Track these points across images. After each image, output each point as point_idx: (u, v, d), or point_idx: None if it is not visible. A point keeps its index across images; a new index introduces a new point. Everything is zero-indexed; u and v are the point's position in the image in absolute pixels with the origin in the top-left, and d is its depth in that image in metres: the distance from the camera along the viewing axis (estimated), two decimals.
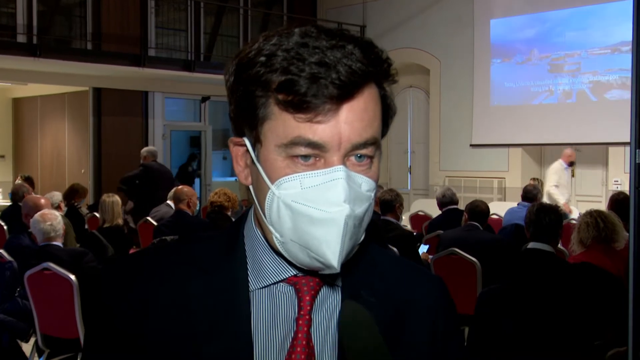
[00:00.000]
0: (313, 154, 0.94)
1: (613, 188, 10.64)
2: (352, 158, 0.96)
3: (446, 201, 7.16)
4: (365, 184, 0.97)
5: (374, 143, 0.97)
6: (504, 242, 5.80)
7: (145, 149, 9.86)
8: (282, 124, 0.94)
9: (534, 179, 10.25)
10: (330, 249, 0.93)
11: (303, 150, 0.94)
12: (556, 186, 9.43)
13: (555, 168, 9.67)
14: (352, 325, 0.94)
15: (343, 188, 0.93)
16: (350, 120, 0.94)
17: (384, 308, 1.05)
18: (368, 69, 0.95)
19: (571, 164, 9.74)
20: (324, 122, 0.93)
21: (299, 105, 0.92)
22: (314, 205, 0.93)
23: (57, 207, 6.73)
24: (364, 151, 0.96)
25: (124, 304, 1.01)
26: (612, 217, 4.17)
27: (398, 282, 1.11)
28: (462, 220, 6.12)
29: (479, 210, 5.88)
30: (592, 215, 4.16)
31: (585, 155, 12.21)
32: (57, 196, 7.41)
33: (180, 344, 0.99)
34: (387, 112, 1.01)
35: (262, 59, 0.94)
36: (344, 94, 0.93)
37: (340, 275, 1.04)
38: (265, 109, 0.95)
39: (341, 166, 0.94)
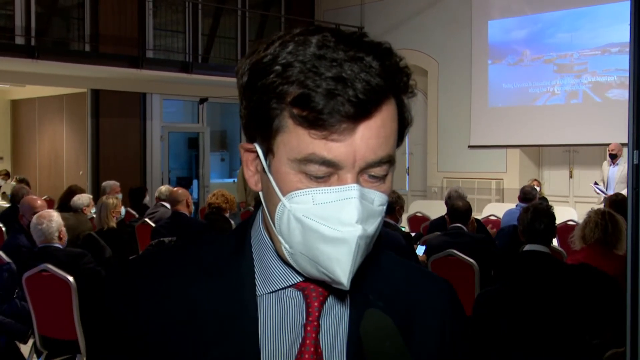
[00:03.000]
0: (327, 171, 0.92)
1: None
2: (366, 175, 0.94)
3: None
4: (378, 199, 0.95)
5: (389, 161, 0.95)
6: (486, 240, 5.74)
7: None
8: (296, 139, 0.91)
9: (532, 180, 10.25)
10: (341, 267, 0.92)
11: (317, 168, 0.91)
12: (602, 182, 9.88)
13: (603, 165, 10.09)
14: (374, 336, 0.93)
15: (356, 208, 0.91)
16: (366, 137, 0.92)
17: (391, 312, 1.03)
18: (386, 84, 0.92)
19: (611, 157, 9.90)
20: (339, 140, 0.90)
21: (314, 121, 0.89)
22: (325, 222, 0.91)
23: (82, 210, 6.70)
24: (377, 170, 0.94)
25: (129, 308, 1.01)
26: (622, 223, 4.03)
27: (406, 286, 1.10)
28: (446, 224, 5.95)
29: (458, 210, 5.65)
30: (604, 217, 4.06)
31: (582, 156, 12.23)
32: (85, 199, 7.14)
33: (187, 348, 0.98)
34: (402, 124, 0.99)
35: (278, 68, 0.91)
36: (361, 112, 0.90)
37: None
38: (280, 121, 0.92)
39: (355, 185, 0.92)
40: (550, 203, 6.57)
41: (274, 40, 0.95)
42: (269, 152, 0.96)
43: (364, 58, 0.91)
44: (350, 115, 0.90)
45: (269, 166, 0.96)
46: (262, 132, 0.95)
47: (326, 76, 0.89)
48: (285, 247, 0.96)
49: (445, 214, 5.93)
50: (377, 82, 0.91)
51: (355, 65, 0.90)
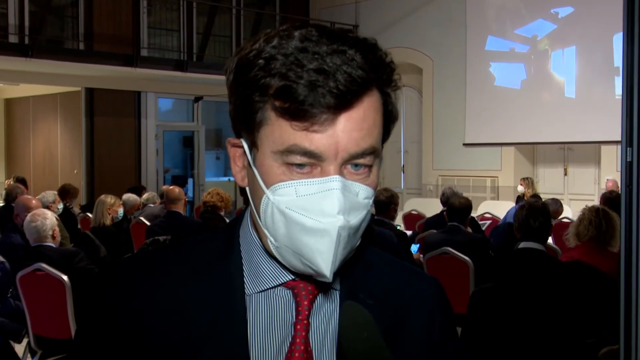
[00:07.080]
0: (309, 162, 0.92)
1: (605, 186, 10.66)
2: (349, 167, 0.94)
3: (443, 201, 7.07)
4: (363, 192, 0.95)
5: (373, 152, 0.94)
6: (483, 240, 5.74)
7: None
8: (279, 131, 0.92)
9: (524, 179, 10.26)
10: (323, 258, 0.92)
11: (299, 159, 0.92)
12: None
13: None
14: (352, 327, 0.93)
15: (338, 199, 0.91)
16: (348, 129, 0.91)
17: (381, 310, 1.03)
18: (369, 76, 0.92)
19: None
20: (320, 131, 0.90)
21: (295, 113, 0.90)
22: (307, 214, 0.92)
23: (48, 207, 6.67)
24: (361, 160, 0.94)
25: (127, 300, 1.01)
26: (616, 220, 4.01)
27: (395, 284, 1.10)
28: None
29: (456, 208, 5.62)
30: (598, 215, 4.05)
31: (577, 153, 12.25)
32: (50, 196, 7.35)
33: (178, 348, 0.98)
34: (388, 118, 0.99)
35: (261, 62, 0.92)
36: (342, 103, 0.90)
37: (338, 279, 1.03)
38: (263, 113, 0.93)
39: (337, 176, 0.92)
40: (544, 201, 6.59)
41: (260, 37, 0.96)
42: (253, 146, 0.96)
43: (346, 51, 0.91)
44: (331, 106, 0.90)
45: (253, 160, 0.97)
46: (247, 126, 0.96)
47: (308, 68, 0.90)
48: (270, 241, 0.97)
49: (444, 212, 5.91)
50: (359, 74, 0.91)
51: (338, 57, 0.91)
